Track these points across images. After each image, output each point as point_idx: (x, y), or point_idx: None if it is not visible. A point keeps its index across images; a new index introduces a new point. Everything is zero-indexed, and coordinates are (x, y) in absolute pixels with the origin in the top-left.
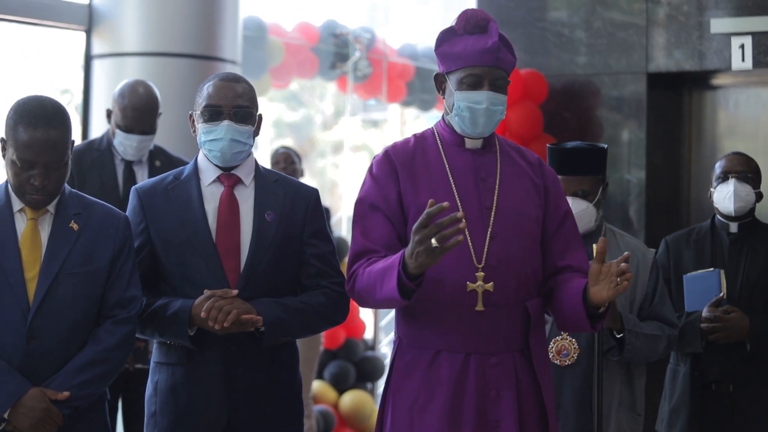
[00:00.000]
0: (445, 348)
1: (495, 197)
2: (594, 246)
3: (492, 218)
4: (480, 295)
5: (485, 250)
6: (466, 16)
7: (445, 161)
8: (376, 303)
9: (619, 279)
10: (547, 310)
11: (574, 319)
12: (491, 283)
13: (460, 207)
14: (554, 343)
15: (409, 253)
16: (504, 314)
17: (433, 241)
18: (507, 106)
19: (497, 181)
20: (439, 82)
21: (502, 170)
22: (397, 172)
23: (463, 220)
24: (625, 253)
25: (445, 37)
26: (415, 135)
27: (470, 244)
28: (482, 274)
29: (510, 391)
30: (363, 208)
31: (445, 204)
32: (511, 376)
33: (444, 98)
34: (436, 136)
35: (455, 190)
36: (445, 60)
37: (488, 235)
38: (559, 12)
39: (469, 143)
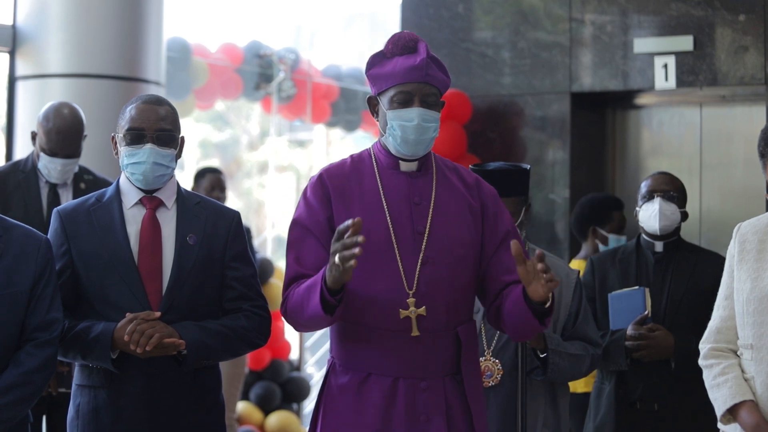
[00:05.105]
0: (375, 371)
1: (428, 222)
2: None
3: (424, 243)
4: (414, 320)
5: (416, 275)
6: (394, 39)
7: (380, 185)
8: (305, 322)
9: (545, 276)
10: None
11: (523, 323)
12: (423, 307)
13: (392, 231)
14: None
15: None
16: (434, 340)
17: (337, 258)
18: None
19: (431, 206)
20: (373, 105)
21: (437, 194)
22: (329, 196)
23: (358, 245)
24: (537, 251)
25: (375, 61)
26: (352, 156)
27: (401, 269)
28: (413, 299)
29: (440, 415)
30: (296, 231)
31: (356, 220)
32: (441, 400)
33: (378, 121)
34: (373, 158)
35: (388, 215)
36: (376, 81)
37: (419, 261)
38: (483, 32)
39: (404, 166)
